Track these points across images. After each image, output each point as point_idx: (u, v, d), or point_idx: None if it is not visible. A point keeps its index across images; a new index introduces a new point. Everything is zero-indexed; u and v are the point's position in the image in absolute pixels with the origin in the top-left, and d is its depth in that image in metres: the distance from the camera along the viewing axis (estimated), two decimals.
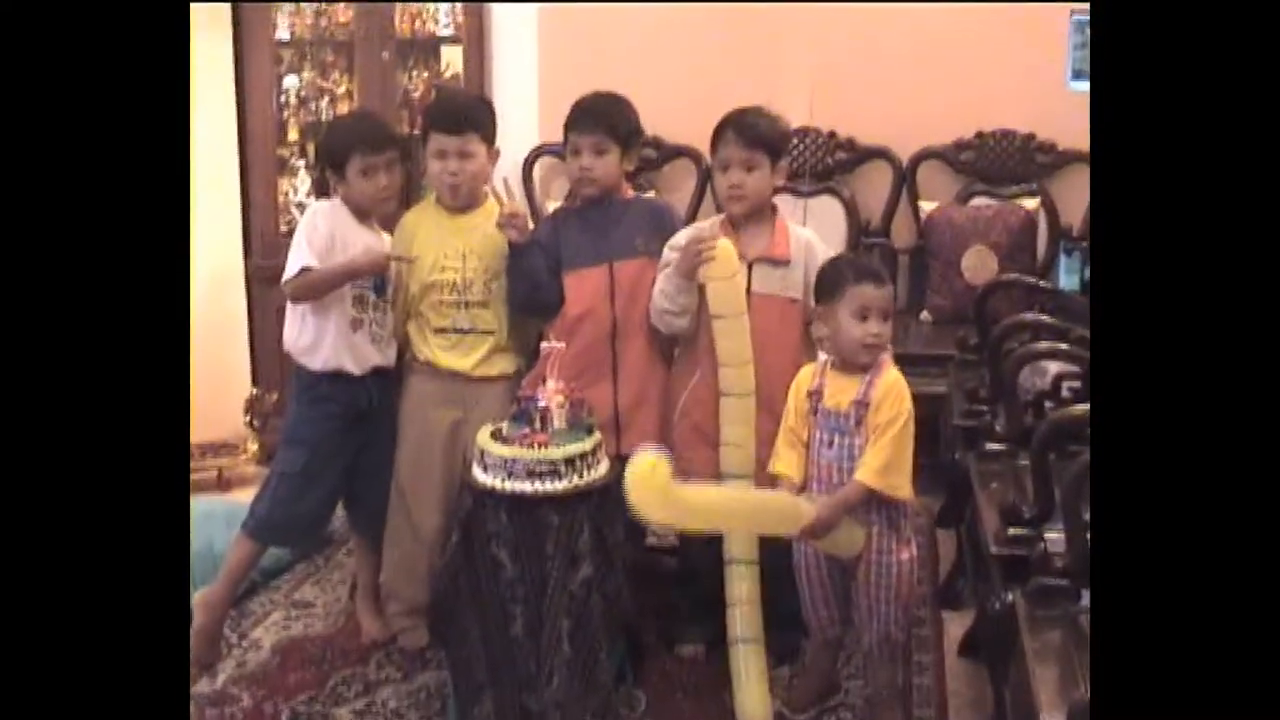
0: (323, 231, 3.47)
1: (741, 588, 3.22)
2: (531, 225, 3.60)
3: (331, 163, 3.57)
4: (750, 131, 3.36)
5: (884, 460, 2.97)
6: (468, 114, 3.57)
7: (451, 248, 3.56)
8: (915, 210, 5.25)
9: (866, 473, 2.97)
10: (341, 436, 3.57)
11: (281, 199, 5.47)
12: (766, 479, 3.19)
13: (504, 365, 3.61)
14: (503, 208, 3.46)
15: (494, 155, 3.61)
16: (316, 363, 3.52)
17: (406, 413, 3.64)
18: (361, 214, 3.55)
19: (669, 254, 3.43)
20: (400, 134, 3.77)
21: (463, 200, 3.58)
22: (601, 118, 3.52)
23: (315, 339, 3.52)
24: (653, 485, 2.78)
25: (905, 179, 5.27)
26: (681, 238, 3.42)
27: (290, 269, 3.44)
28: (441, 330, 3.58)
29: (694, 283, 3.32)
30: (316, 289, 3.45)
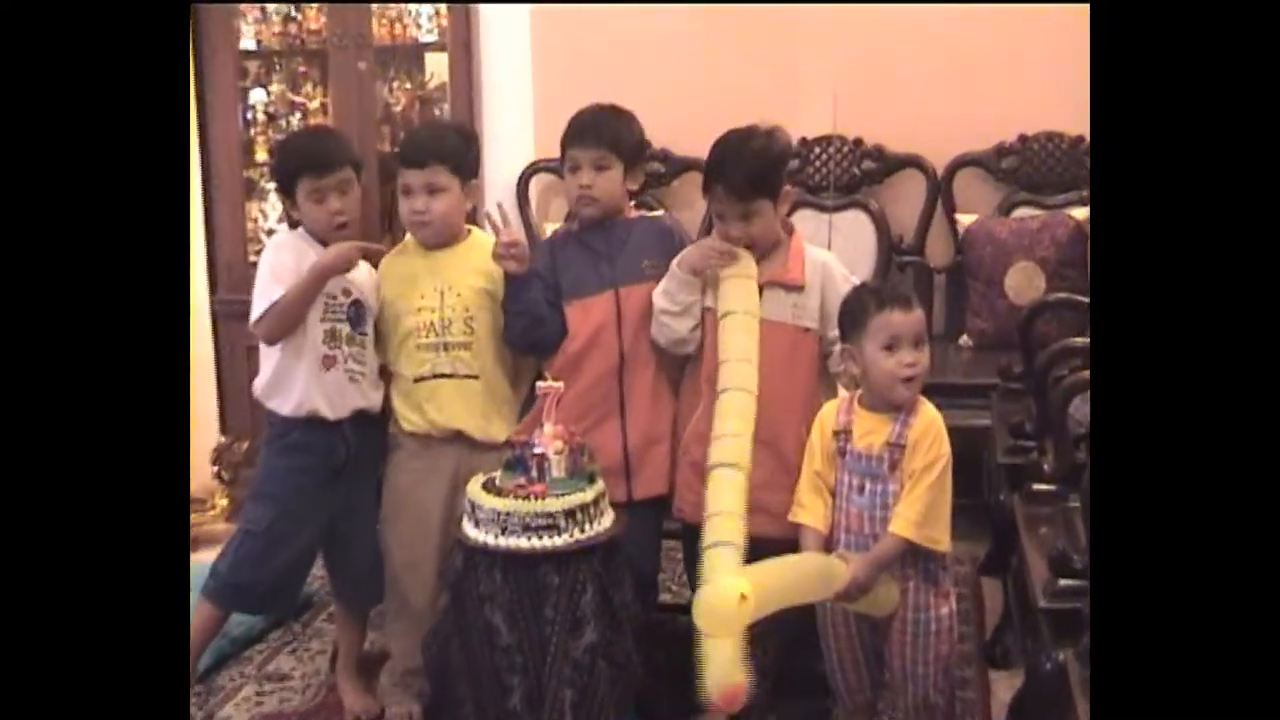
0: (290, 264, 3.48)
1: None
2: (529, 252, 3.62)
3: (281, 187, 3.61)
4: (742, 178, 3.35)
5: (921, 510, 2.97)
6: (434, 144, 3.59)
7: (428, 285, 3.57)
8: (952, 224, 5.27)
9: (903, 525, 2.97)
10: (315, 492, 3.57)
11: (250, 226, 5.51)
12: (769, 518, 3.18)
13: (500, 428, 3.58)
14: (499, 236, 3.47)
15: (472, 190, 3.63)
16: (287, 407, 3.53)
17: (393, 491, 3.64)
18: (326, 244, 3.55)
19: (674, 270, 3.46)
20: (358, 152, 3.75)
21: (435, 240, 3.59)
22: (603, 131, 3.54)
23: (285, 381, 3.52)
24: (738, 617, 2.83)
25: (940, 189, 5.28)
26: (690, 253, 3.45)
27: (258, 308, 3.46)
28: (420, 379, 3.56)
29: (699, 280, 3.38)
30: (288, 317, 3.45)
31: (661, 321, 3.45)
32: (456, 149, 3.59)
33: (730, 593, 2.82)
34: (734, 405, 3.22)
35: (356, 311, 3.56)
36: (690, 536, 3.50)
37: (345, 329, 3.54)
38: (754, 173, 3.36)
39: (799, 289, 3.40)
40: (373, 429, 3.63)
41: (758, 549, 3.13)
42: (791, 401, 3.32)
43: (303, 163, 3.53)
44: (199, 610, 3.58)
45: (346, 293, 3.54)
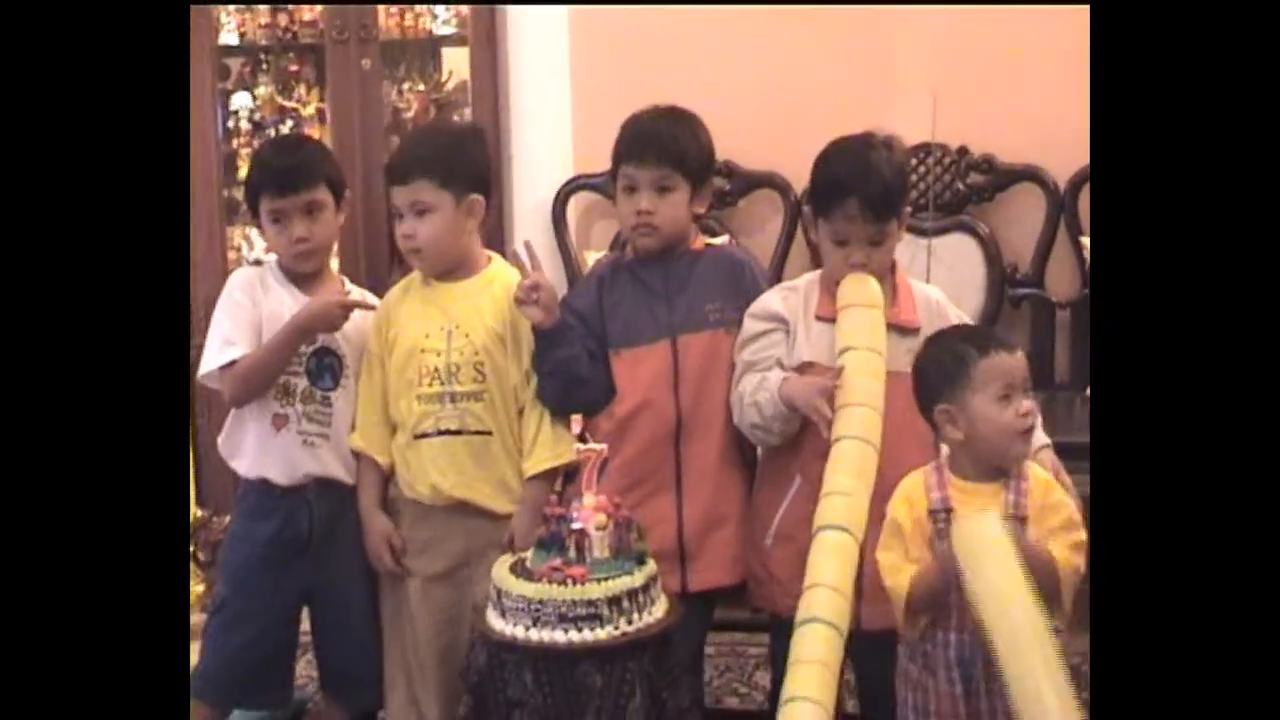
0: (245, 307, 3.58)
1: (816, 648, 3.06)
2: (565, 289, 3.62)
3: (250, 206, 3.70)
4: (881, 202, 3.35)
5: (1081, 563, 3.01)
6: (415, 153, 3.68)
7: (434, 324, 3.58)
8: (1078, 249, 5.26)
9: (1065, 554, 3.00)
10: (272, 567, 3.63)
11: (232, 255, 5.50)
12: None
13: (518, 496, 3.59)
14: (523, 278, 3.46)
15: (473, 206, 3.59)
16: (243, 467, 3.63)
17: (392, 570, 3.65)
18: (301, 278, 3.65)
19: (752, 325, 3.47)
20: (337, 169, 3.78)
21: (432, 270, 3.62)
22: (666, 145, 3.53)
23: (237, 436, 3.64)
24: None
25: (1063, 207, 5.27)
26: (774, 303, 3.48)
27: (211, 359, 3.55)
28: (422, 435, 3.57)
29: (799, 413, 3.31)
30: (256, 379, 3.55)
31: (752, 433, 3.44)
32: (444, 157, 3.60)
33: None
34: (850, 458, 3.19)
35: (319, 364, 3.62)
36: (781, 632, 3.46)
37: (301, 384, 3.60)
38: (890, 188, 3.37)
39: (913, 331, 3.40)
40: (344, 498, 3.66)
41: (878, 645, 3.23)
42: (915, 461, 3.27)
43: (263, 178, 3.61)
44: (196, 714, 3.60)
45: (310, 340, 3.60)
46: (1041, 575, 2.93)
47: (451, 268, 3.62)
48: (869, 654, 3.38)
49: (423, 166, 3.55)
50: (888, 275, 3.46)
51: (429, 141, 3.81)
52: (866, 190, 3.34)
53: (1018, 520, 3.02)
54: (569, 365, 3.48)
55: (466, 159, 3.64)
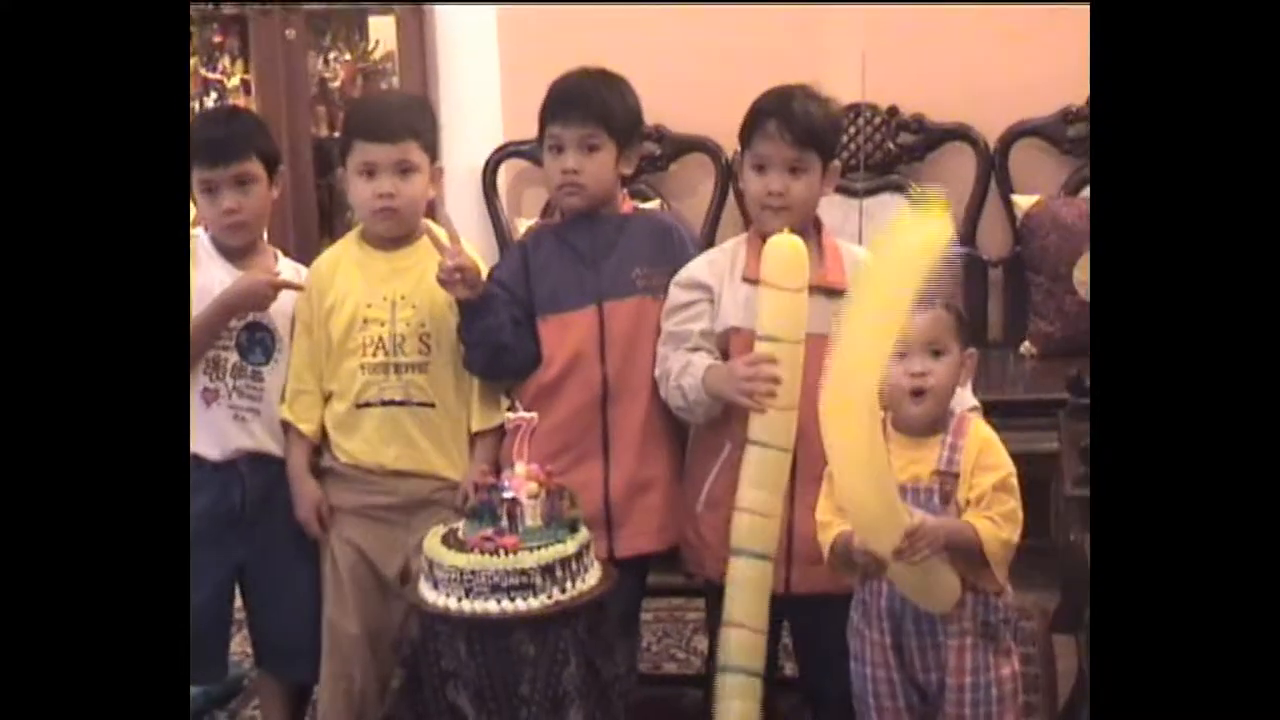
0: None
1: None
2: (492, 260, 3.61)
3: None
4: (800, 124, 3.36)
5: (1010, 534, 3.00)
6: (404, 115, 3.63)
7: (376, 294, 3.57)
8: (1009, 207, 5.28)
9: (988, 527, 2.98)
10: (205, 541, 3.51)
11: None
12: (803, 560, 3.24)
13: (462, 466, 3.59)
14: (443, 256, 3.44)
15: (436, 174, 3.66)
16: None
17: (330, 538, 3.63)
18: (234, 252, 3.63)
19: (676, 295, 3.47)
20: (269, 141, 3.78)
21: (397, 231, 3.61)
22: (592, 103, 3.53)
23: None
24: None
25: (994, 166, 5.29)
26: (699, 271, 3.47)
27: None
28: (365, 405, 3.57)
29: (723, 401, 3.31)
30: None
31: (675, 410, 3.46)
32: (428, 123, 3.65)
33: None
34: (767, 470, 3.23)
35: (250, 339, 3.60)
36: (715, 597, 3.46)
37: (231, 359, 3.59)
38: (818, 120, 3.40)
39: (840, 293, 3.31)
40: (277, 472, 3.65)
41: (812, 609, 3.28)
42: None
43: (195, 149, 3.54)
44: None
45: (240, 316, 3.59)
46: (963, 546, 2.97)
47: (405, 233, 3.62)
48: (802, 617, 3.39)
49: (411, 128, 3.57)
50: (814, 235, 3.46)
51: (411, 105, 3.83)
52: (787, 113, 3.37)
53: (949, 476, 3.03)
54: (493, 334, 3.47)
55: (435, 128, 3.71)
